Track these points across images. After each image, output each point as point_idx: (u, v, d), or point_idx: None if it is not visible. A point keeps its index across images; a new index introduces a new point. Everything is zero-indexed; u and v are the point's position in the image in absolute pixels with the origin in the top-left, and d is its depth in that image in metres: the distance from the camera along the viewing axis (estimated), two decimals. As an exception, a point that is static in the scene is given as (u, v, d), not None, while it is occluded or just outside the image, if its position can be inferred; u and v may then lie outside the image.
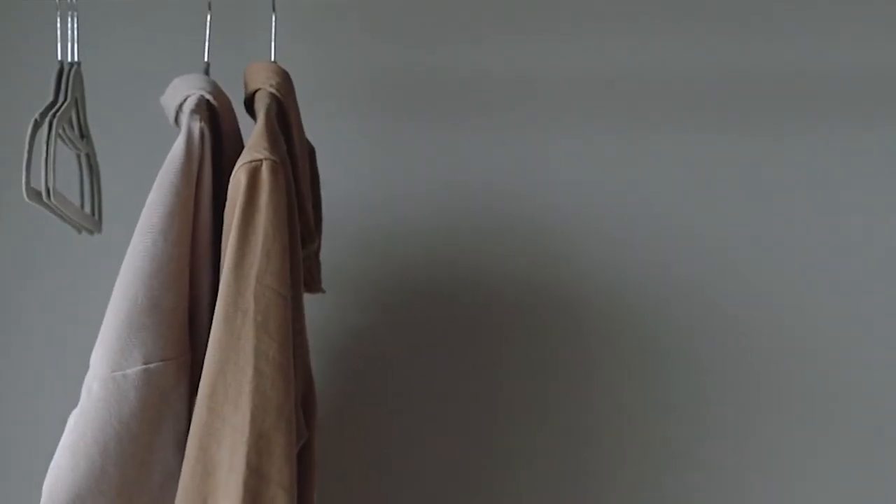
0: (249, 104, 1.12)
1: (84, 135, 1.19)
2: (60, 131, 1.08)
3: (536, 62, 1.47)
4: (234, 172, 0.98)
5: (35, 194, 1.03)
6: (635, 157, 1.46)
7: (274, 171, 0.96)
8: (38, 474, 1.35)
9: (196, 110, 1.03)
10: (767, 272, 1.45)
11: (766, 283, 1.45)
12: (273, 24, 1.18)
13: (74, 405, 1.38)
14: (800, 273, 1.45)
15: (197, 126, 1.02)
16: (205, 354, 0.99)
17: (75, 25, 1.14)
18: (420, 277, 1.45)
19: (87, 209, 1.20)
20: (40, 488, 1.35)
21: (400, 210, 1.45)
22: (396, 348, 1.44)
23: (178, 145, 1.01)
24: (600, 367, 1.44)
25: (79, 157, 1.20)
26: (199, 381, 0.98)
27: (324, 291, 1.25)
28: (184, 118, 1.03)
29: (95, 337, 1.38)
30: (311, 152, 1.23)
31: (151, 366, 0.97)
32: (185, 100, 1.05)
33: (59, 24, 1.13)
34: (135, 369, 0.97)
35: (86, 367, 1.38)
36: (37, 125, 1.05)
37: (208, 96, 1.05)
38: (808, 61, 1.47)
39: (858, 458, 1.43)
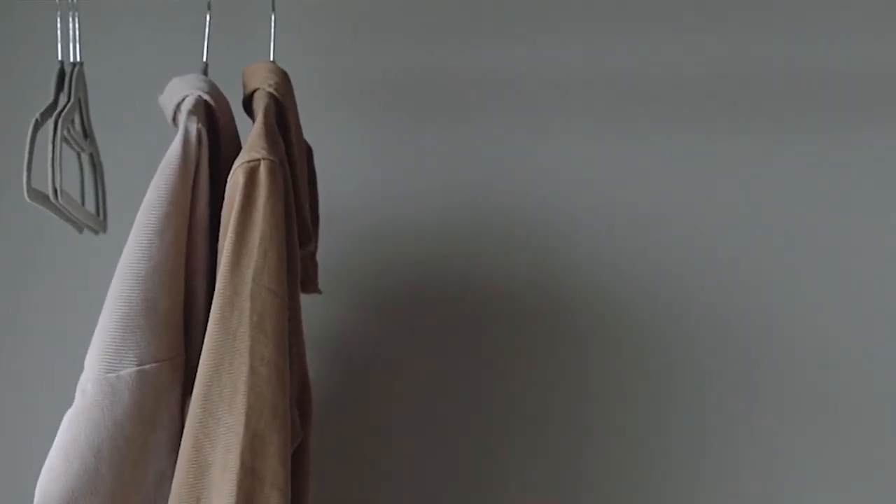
0: (248, 104, 1.12)
1: (88, 134, 1.19)
2: (65, 132, 1.07)
3: (537, 62, 1.47)
4: (231, 172, 0.97)
5: (38, 195, 1.02)
6: (637, 157, 1.46)
7: (272, 171, 0.96)
8: (34, 474, 1.36)
9: (193, 111, 1.03)
10: (770, 273, 1.45)
11: (768, 284, 1.45)
12: (272, 23, 1.18)
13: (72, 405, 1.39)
14: (805, 274, 1.45)
15: (194, 127, 1.02)
16: (200, 356, 0.99)
17: (76, 25, 1.14)
18: (417, 278, 1.44)
19: (92, 209, 1.20)
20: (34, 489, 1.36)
21: (398, 210, 1.44)
22: (393, 349, 1.43)
23: (175, 146, 1.01)
24: (600, 368, 1.43)
25: (80, 156, 1.20)
26: (194, 382, 0.98)
27: (320, 292, 1.25)
28: (181, 119, 1.03)
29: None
30: (309, 151, 1.23)
31: (146, 367, 0.97)
32: (182, 100, 1.05)
33: (59, 24, 1.13)
34: (129, 370, 0.96)
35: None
36: (38, 125, 1.05)
37: (206, 96, 1.05)
38: (810, 62, 1.47)
39: (865, 462, 1.42)
